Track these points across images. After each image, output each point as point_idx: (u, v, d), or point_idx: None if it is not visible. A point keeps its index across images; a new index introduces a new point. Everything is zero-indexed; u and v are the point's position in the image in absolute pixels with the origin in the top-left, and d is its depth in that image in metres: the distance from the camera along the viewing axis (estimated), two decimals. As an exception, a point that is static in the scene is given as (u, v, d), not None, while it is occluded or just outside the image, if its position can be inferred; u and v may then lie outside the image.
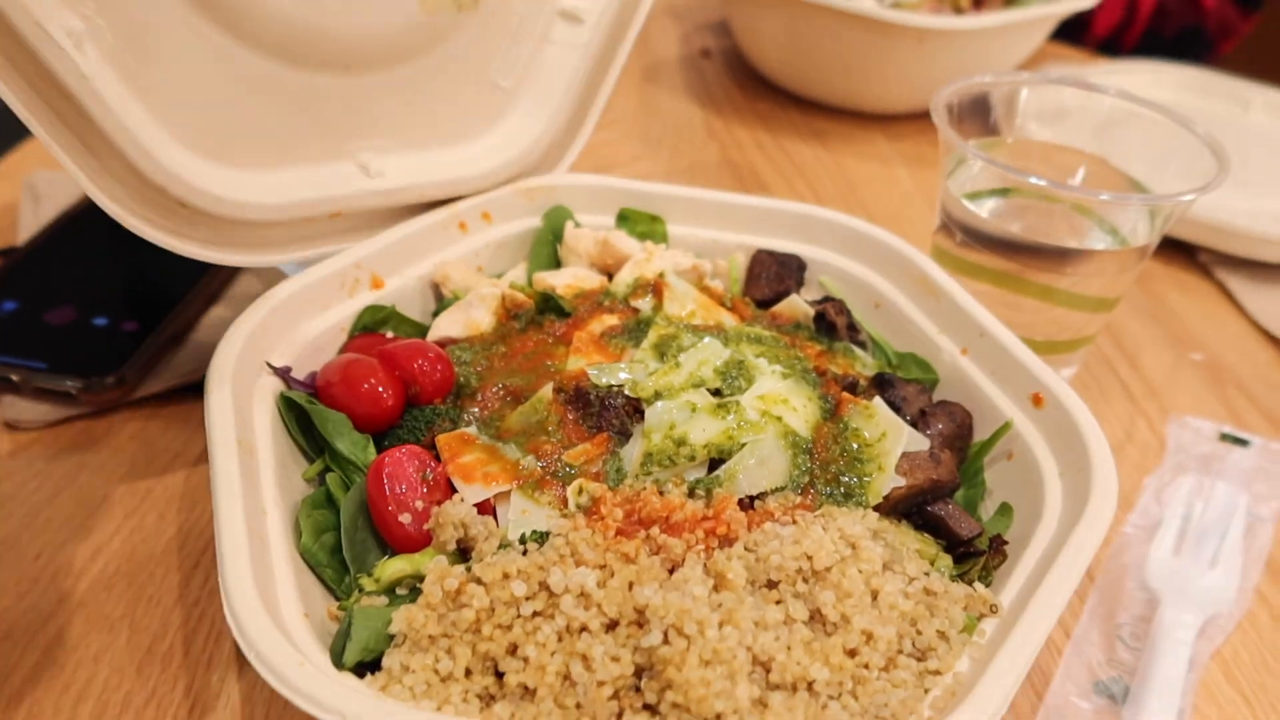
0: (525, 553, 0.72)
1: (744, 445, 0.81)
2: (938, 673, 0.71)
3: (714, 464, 0.82)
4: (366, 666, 0.67)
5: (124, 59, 0.78)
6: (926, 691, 0.70)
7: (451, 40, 1.03)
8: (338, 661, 0.65)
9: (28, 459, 1.02)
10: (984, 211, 1.14)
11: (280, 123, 0.93)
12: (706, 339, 0.91)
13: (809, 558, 0.72)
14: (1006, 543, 0.85)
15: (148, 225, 0.84)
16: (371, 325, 0.99)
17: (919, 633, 0.73)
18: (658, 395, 0.85)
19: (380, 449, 0.87)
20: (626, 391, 0.85)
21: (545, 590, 0.67)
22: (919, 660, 0.72)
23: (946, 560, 0.83)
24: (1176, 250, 1.53)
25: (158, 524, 0.96)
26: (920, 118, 1.79)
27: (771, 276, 1.09)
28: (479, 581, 0.68)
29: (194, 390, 1.09)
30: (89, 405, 1.05)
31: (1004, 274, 1.13)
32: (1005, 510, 0.89)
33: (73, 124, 0.77)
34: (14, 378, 1.03)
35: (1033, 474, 0.89)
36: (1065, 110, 1.24)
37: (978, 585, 0.77)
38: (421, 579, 0.73)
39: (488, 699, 0.65)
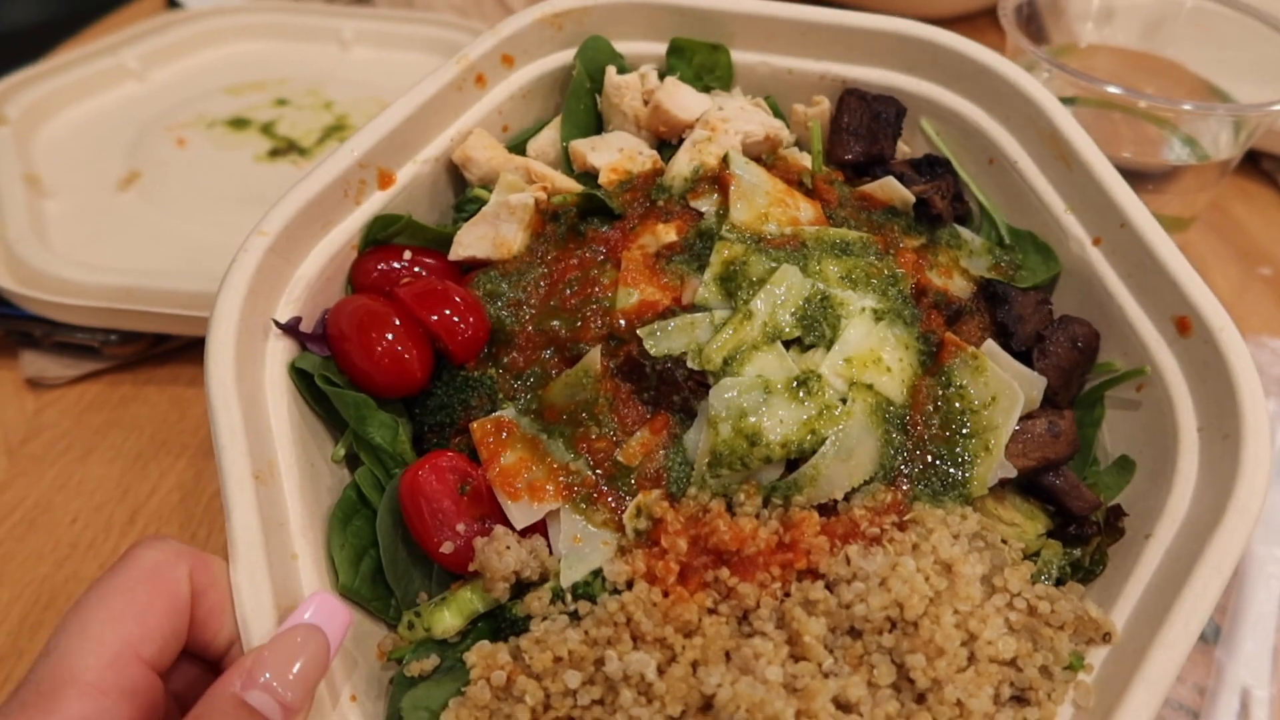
0: (576, 614, 0.65)
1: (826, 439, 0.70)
2: (1037, 723, 0.65)
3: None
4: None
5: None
6: (1023, 747, 0.64)
7: None
8: (393, 762, 0.61)
9: (55, 417, 0.95)
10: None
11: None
12: (784, 265, 0.75)
13: (899, 605, 0.64)
14: (1126, 515, 0.74)
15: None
16: (383, 238, 0.85)
17: (1019, 670, 0.66)
18: (725, 365, 0.71)
19: (412, 418, 0.78)
20: (689, 364, 0.72)
21: (601, 673, 0.61)
22: (1018, 705, 0.66)
23: (1055, 548, 0.73)
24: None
25: (196, 482, 0.90)
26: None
27: (862, 132, 0.89)
28: (529, 672, 0.61)
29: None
30: (113, 358, 0.96)
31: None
32: (1125, 464, 0.78)
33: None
34: (35, 332, 0.94)
35: (1165, 422, 0.76)
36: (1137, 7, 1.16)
37: (1090, 606, 0.68)
38: (475, 620, 0.68)
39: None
